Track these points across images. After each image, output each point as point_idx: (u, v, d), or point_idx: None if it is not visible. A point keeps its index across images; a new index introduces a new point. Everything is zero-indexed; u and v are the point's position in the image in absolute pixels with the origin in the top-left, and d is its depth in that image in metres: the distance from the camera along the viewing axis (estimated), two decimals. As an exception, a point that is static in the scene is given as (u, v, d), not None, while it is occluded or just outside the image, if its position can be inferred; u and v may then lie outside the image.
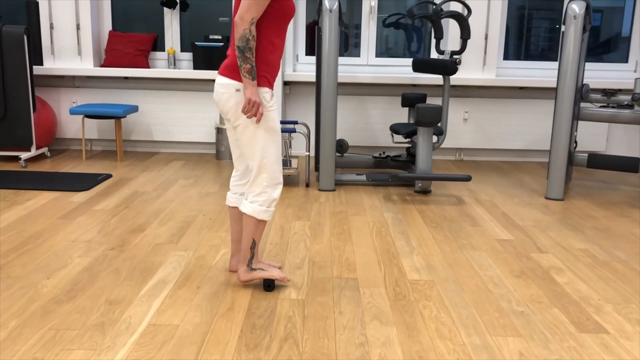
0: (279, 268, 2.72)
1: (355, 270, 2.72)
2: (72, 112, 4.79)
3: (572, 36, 3.92)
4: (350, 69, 5.35)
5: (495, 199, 4.04)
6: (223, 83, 2.33)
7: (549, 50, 5.48)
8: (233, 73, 2.31)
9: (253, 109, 2.24)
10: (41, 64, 5.20)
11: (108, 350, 1.95)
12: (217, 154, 5.14)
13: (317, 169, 4.51)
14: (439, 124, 4.62)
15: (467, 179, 3.94)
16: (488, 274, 2.72)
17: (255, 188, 2.38)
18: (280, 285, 2.53)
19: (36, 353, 1.93)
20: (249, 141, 2.33)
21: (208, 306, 2.31)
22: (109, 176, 4.39)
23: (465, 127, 5.32)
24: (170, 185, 4.20)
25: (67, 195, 3.85)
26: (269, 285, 2.46)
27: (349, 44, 5.37)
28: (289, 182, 4.40)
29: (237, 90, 2.30)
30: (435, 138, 4.78)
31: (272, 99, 2.35)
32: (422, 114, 3.99)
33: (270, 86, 2.34)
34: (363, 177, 4.34)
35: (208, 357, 1.93)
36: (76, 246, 2.93)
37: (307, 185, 4.32)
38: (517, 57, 5.44)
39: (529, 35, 5.47)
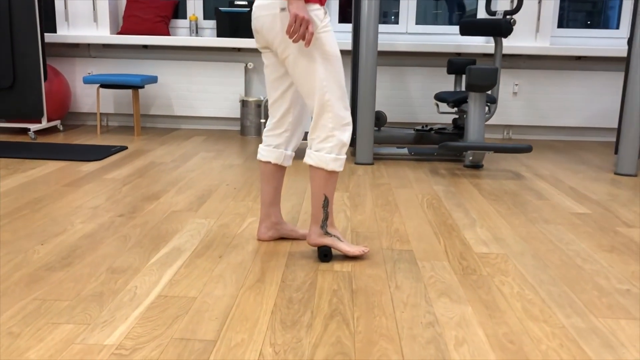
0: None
1: (409, 241, 2.26)
2: (86, 81, 4.40)
3: (650, -13, 3.39)
4: (388, 37, 4.88)
5: (558, 174, 3.53)
6: (263, 4, 1.89)
7: (601, 19, 4.94)
8: None
9: (301, 28, 1.78)
10: (54, 31, 4.83)
11: (104, 325, 1.52)
12: (242, 129, 4.71)
13: (351, 143, 4.05)
14: (489, 92, 4.12)
15: (528, 149, 3.44)
16: (572, 248, 2.23)
17: (320, 132, 1.92)
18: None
19: (12, 327, 1.50)
20: (304, 74, 1.88)
21: (232, 277, 1.86)
22: (123, 148, 3.98)
23: (514, 102, 4.81)
24: (190, 157, 3.77)
25: (76, 165, 3.45)
26: (326, 254, 2.01)
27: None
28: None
29: (282, 9, 1.85)
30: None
31: (325, 17, 1.89)
32: (475, 75, 3.50)
33: (321, 2, 1.89)
34: (405, 151, 3.87)
35: (233, 336, 1.48)
36: (79, 212, 2.51)
37: (342, 159, 3.85)
38: (570, 26, 4.91)
39: (580, 2, 4.94)
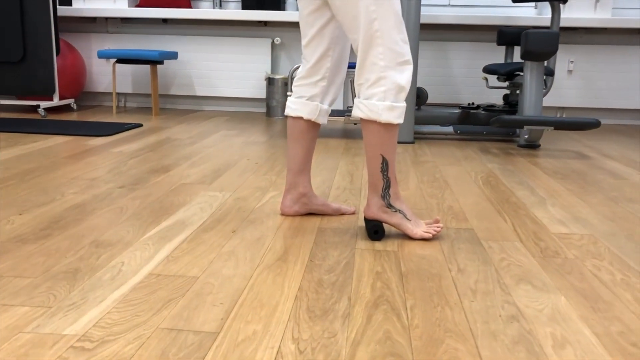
0: (353, 213, 1.86)
1: (467, 219, 1.83)
2: (101, 55, 4.07)
3: None
4: (429, 9, 4.44)
5: (629, 155, 3.05)
6: None
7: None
8: None
9: None
10: (69, 4, 4.52)
11: (70, 310, 1.13)
12: (268, 110, 4.32)
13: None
14: (546, 63, 3.65)
15: (596, 124, 2.97)
16: (675, 229, 1.78)
17: (369, 74, 1.49)
18: (364, 231, 1.66)
19: (-52, 308, 1.13)
20: (346, 1, 1.48)
21: (247, 255, 1.47)
22: (138, 125, 3.63)
23: (569, 81, 4.32)
24: (210, 134, 3.40)
25: (82, 139, 3.10)
26: (377, 231, 1.59)
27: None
28: (355, 133, 3.53)
29: None
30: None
31: None
32: (533, 41, 3.04)
33: None
34: (449, 129, 3.43)
35: (242, 327, 1.08)
36: (74, 183, 2.15)
37: (379, 137, 3.43)
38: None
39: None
